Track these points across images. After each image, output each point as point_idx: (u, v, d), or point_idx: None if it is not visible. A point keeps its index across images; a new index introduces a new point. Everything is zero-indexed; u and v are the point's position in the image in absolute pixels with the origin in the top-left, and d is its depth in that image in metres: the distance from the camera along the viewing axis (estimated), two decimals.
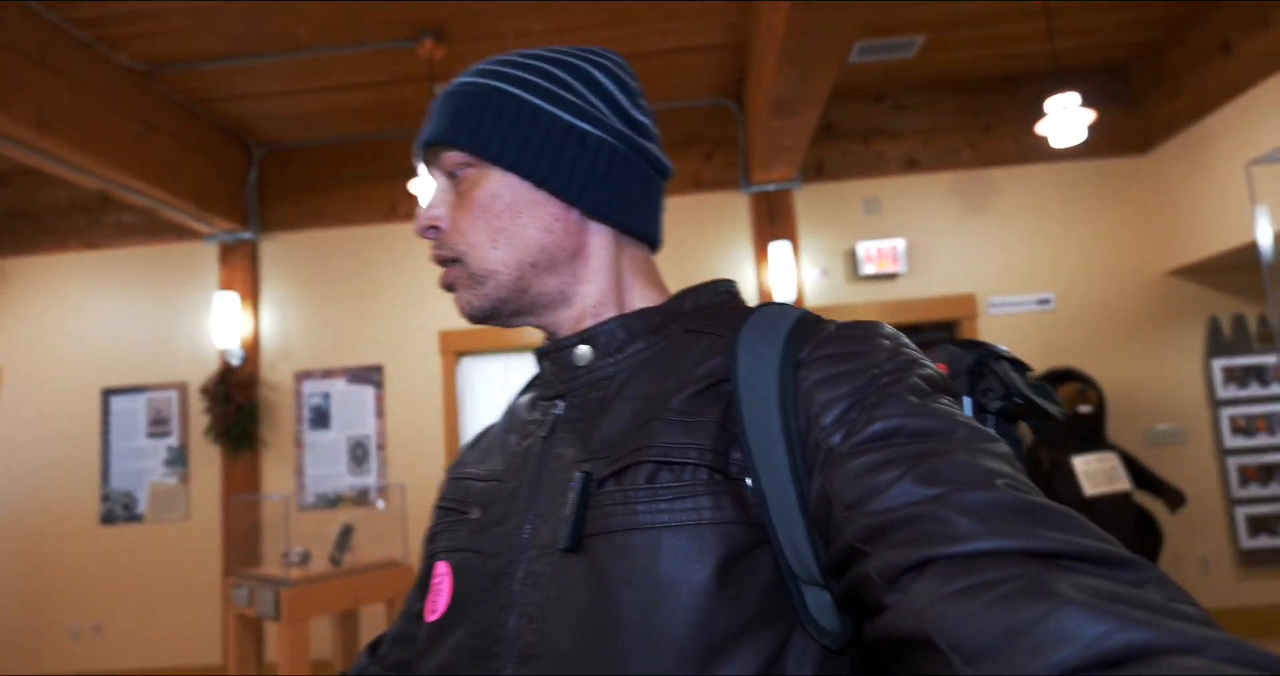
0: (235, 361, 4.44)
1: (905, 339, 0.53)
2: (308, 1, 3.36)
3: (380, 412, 4.45)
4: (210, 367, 4.54)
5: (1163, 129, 4.24)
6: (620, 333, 0.61)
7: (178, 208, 4.13)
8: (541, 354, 0.65)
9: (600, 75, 0.63)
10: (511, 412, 0.68)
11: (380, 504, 4.33)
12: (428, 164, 0.65)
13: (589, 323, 0.62)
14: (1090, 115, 3.54)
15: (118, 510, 4.44)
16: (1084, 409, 3.47)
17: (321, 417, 4.47)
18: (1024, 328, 4.30)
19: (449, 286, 0.64)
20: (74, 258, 4.73)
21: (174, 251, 4.70)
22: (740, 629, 0.46)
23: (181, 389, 4.54)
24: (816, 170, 4.51)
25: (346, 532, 3.35)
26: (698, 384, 0.53)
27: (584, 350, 0.61)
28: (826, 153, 4.53)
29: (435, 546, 0.63)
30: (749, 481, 0.49)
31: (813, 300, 4.39)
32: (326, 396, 4.49)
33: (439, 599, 0.58)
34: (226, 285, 4.57)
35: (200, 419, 4.48)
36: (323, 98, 4.24)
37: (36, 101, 3.15)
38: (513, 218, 0.60)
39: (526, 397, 0.67)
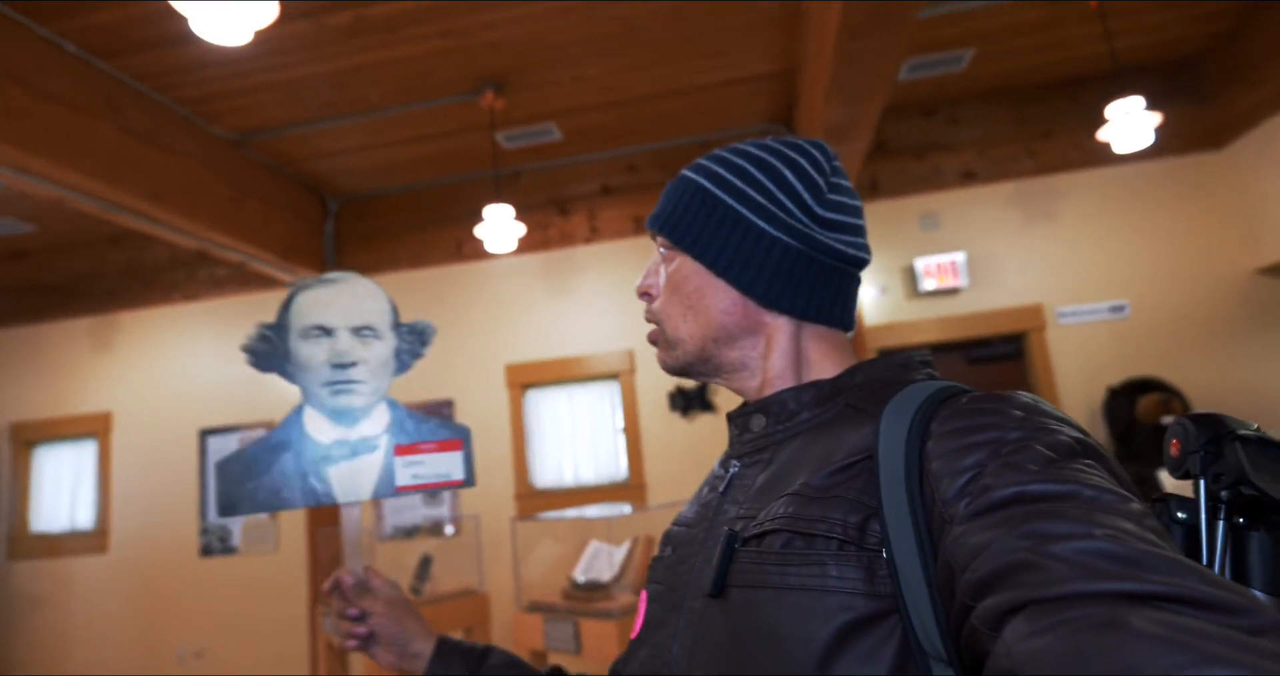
0: None
1: (1045, 407, 0.52)
2: (380, 66, 3.60)
3: None
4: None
5: (1240, 122, 4.04)
6: (791, 403, 0.67)
7: (264, 260, 4.45)
8: (730, 418, 0.73)
9: (790, 173, 0.69)
10: (713, 469, 0.77)
11: (449, 530, 4.47)
12: (653, 239, 0.76)
13: (768, 391, 0.70)
14: (1156, 118, 3.42)
15: (215, 543, 4.75)
16: (1167, 420, 3.31)
17: None
18: (1097, 337, 4.13)
19: (653, 342, 0.76)
20: (175, 310, 5.14)
21: (261, 300, 5.04)
22: None
23: (271, 427, 4.83)
24: (871, 189, 4.48)
25: (426, 563, 3.49)
26: (844, 459, 0.57)
27: (759, 418, 0.69)
28: (880, 170, 4.50)
29: (648, 578, 0.72)
30: (885, 553, 0.50)
31: (871, 319, 4.34)
32: None
33: (639, 620, 0.69)
34: None
35: None
36: (393, 151, 4.51)
37: (148, 176, 3.49)
38: (699, 299, 0.70)
39: (722, 455, 0.76)
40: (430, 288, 4.87)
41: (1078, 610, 0.35)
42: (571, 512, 3.60)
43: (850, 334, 0.73)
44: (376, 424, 0.88)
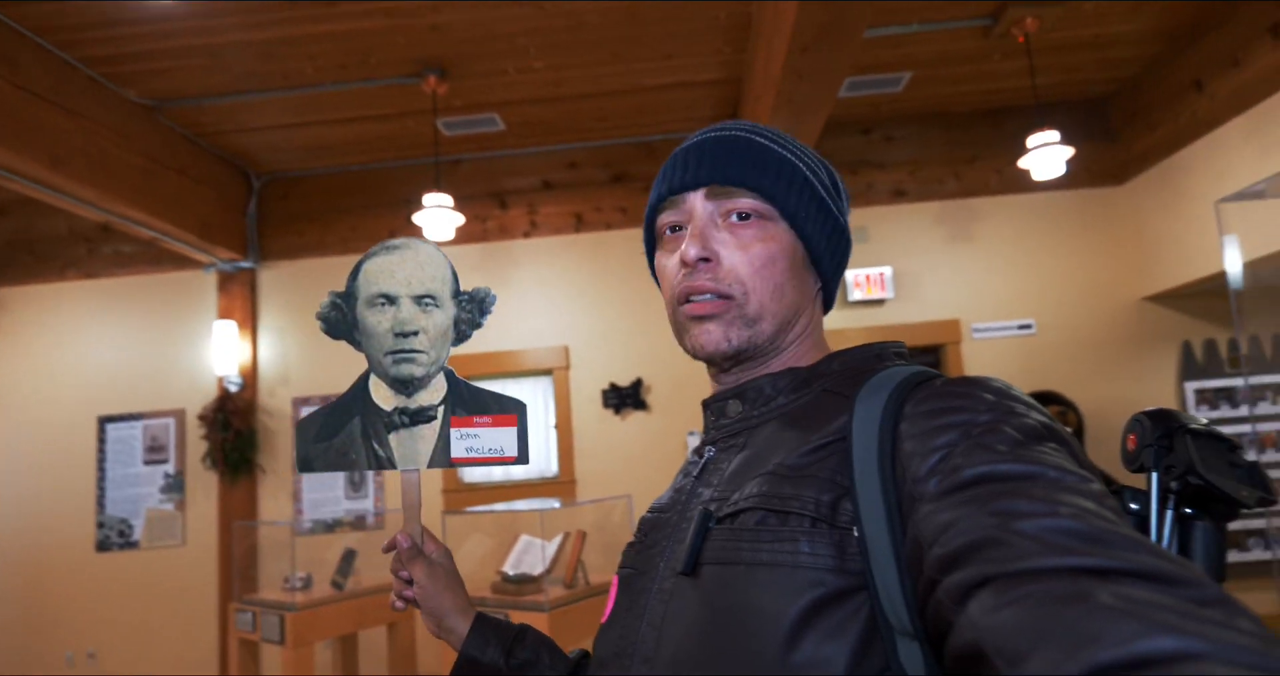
0: (234, 388, 4.48)
1: (1015, 392, 0.54)
2: (316, 39, 3.45)
3: None
4: (207, 395, 4.57)
5: (1139, 161, 4.41)
6: (767, 388, 0.68)
7: (180, 238, 4.19)
8: (705, 405, 0.74)
9: (839, 179, 0.74)
10: (688, 456, 0.77)
11: (369, 520, 4.36)
12: (704, 197, 0.68)
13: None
14: (1069, 151, 3.70)
15: (114, 537, 4.45)
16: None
17: None
18: (1006, 352, 4.42)
19: (704, 316, 0.67)
20: (72, 287, 4.77)
21: (172, 280, 4.75)
22: (820, 662, 0.49)
23: (179, 416, 4.57)
24: None
25: (349, 557, 3.38)
26: (819, 440, 0.59)
27: (735, 404, 0.70)
28: None
29: (621, 563, 0.73)
30: (856, 531, 0.52)
31: None
32: None
33: (609, 605, 0.69)
34: (225, 313, 4.62)
35: (198, 446, 4.51)
36: (325, 130, 4.33)
37: (50, 140, 3.21)
38: (789, 278, 0.68)
39: (697, 441, 0.77)
40: None
41: (1041, 584, 0.37)
42: (502, 506, 3.57)
43: None
44: (435, 394, 0.88)
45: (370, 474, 4.45)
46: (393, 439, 0.88)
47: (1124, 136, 4.54)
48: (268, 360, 4.66)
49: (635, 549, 0.70)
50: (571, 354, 4.54)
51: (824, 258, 0.70)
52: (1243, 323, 3.40)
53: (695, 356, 0.70)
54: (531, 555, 3.18)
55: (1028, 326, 4.43)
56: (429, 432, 0.88)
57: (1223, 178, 3.73)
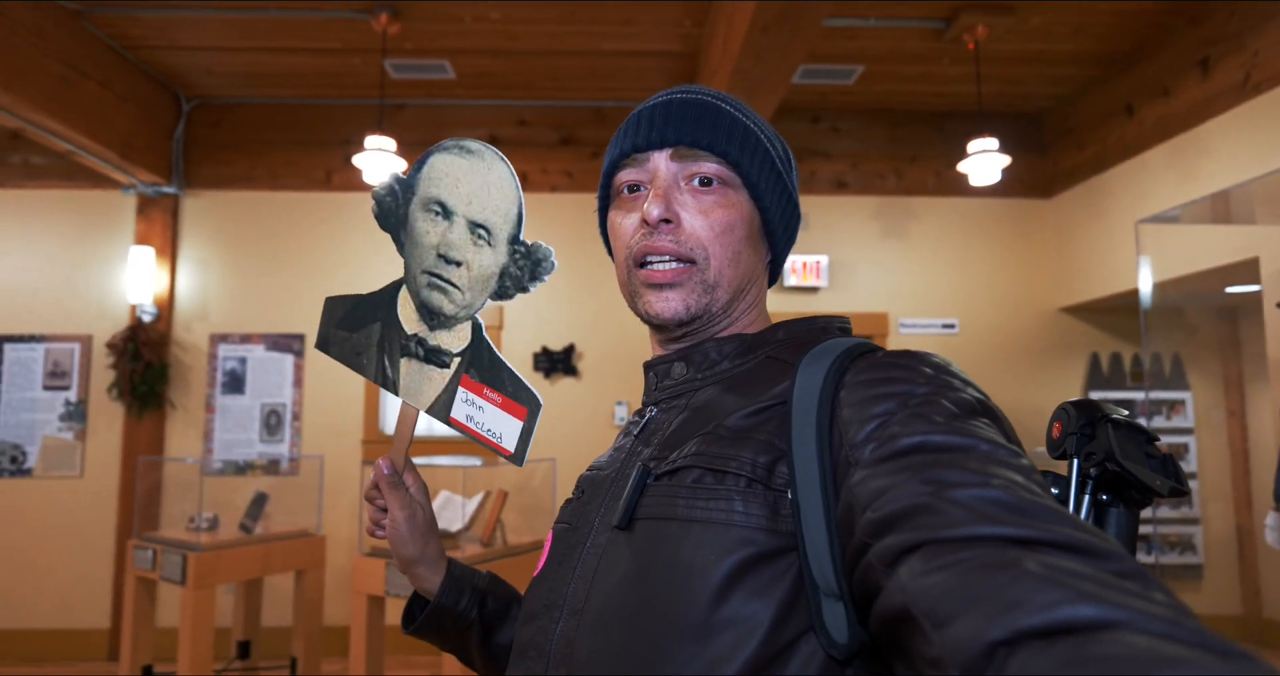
0: (147, 318, 4.29)
1: (954, 368, 0.55)
2: None
3: (298, 382, 4.39)
4: (118, 323, 4.37)
5: (1066, 177, 4.62)
6: (712, 353, 0.70)
7: (98, 155, 3.96)
8: (648, 366, 0.74)
9: (792, 157, 0.76)
10: (629, 419, 0.78)
11: (284, 464, 4.28)
12: (669, 158, 0.68)
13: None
14: (1005, 160, 3.85)
15: (4, 462, 4.23)
16: None
17: (236, 382, 4.38)
18: (930, 349, 4.59)
19: (667, 283, 0.67)
20: None
21: (87, 198, 4.49)
22: (744, 620, 0.50)
23: (85, 342, 4.36)
24: None
25: (260, 500, 3.33)
26: (760, 403, 0.60)
27: (680, 366, 0.71)
28: None
29: (556, 519, 0.73)
30: (790, 493, 0.53)
31: None
32: (243, 361, 4.40)
33: (542, 559, 0.69)
34: (143, 239, 4.40)
35: (104, 375, 4.31)
36: (266, 57, 4.14)
37: None
38: (746, 246, 0.70)
39: (626, 411, 0.78)
40: (290, 213, 4.55)
41: (971, 551, 0.38)
42: (423, 460, 3.55)
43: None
44: (456, 340, 0.80)
45: (288, 419, 4.35)
46: (404, 364, 0.82)
47: (1054, 151, 4.74)
48: (186, 292, 4.47)
49: (572, 505, 0.71)
50: (505, 313, 4.52)
51: (778, 229, 0.72)
52: (1148, 340, 3.63)
53: (648, 321, 0.70)
54: (450, 511, 3.19)
55: (951, 326, 4.63)
56: (438, 377, 0.80)
57: (1143, 201, 3.95)
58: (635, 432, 0.71)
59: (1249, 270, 3.32)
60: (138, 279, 4.24)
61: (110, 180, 4.41)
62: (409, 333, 0.81)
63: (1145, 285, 3.48)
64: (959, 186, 4.64)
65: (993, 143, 3.83)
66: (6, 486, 4.25)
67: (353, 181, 4.51)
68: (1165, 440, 4.51)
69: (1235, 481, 4.50)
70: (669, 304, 0.67)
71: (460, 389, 0.79)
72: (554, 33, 3.91)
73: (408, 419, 0.82)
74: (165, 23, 3.77)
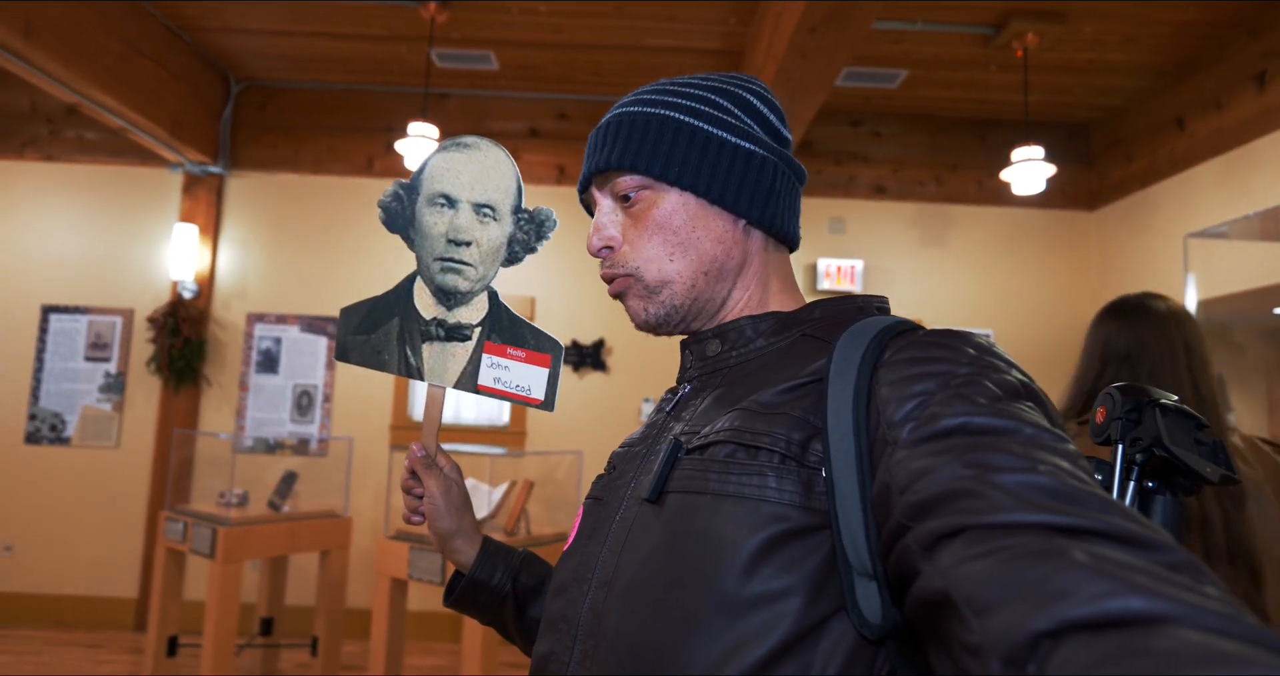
0: (188, 294, 4.37)
1: (997, 349, 0.54)
2: None
3: (331, 364, 4.44)
4: (159, 298, 4.45)
5: (1112, 190, 4.54)
6: (748, 330, 0.69)
7: (149, 132, 4.04)
8: (684, 345, 0.74)
9: (754, 99, 0.71)
10: (663, 396, 0.78)
11: (313, 445, 4.34)
12: (596, 189, 0.72)
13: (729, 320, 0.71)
14: (1051, 169, 3.79)
15: (45, 431, 4.34)
16: None
17: (270, 362, 4.44)
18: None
19: (618, 295, 0.72)
20: (30, 167, 4.56)
21: (135, 175, 4.58)
22: (776, 596, 0.50)
23: (127, 315, 4.45)
24: None
25: (290, 479, 3.37)
26: (796, 380, 0.60)
27: (715, 343, 0.70)
28: None
29: (588, 494, 0.73)
30: (824, 471, 0.53)
31: None
32: (278, 341, 4.46)
33: (572, 533, 0.70)
34: (187, 217, 4.49)
35: (143, 348, 4.40)
36: (314, 42, 4.19)
37: (26, 8, 3.05)
38: (690, 232, 0.68)
39: (651, 408, 0.79)
40: (331, 197, 4.61)
41: (1015, 538, 0.37)
42: (450, 447, 3.57)
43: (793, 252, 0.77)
44: (474, 312, 0.85)
45: (319, 401, 4.41)
46: (425, 349, 0.86)
47: (1100, 164, 4.66)
48: (226, 271, 4.55)
49: (603, 480, 0.71)
50: (537, 306, 4.54)
51: (729, 194, 0.68)
52: None
53: (642, 331, 0.74)
54: (476, 499, 3.21)
55: (986, 336, 4.55)
56: (461, 352, 0.85)
57: (1191, 217, 3.87)
58: (668, 409, 0.71)
59: None
60: (180, 256, 4.32)
61: (158, 158, 4.50)
62: (428, 318, 0.86)
63: (1192, 302, 3.41)
64: (1000, 196, 4.58)
65: (1038, 151, 3.77)
66: (46, 453, 4.35)
67: (395, 168, 4.56)
68: None
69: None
70: (633, 312, 0.71)
71: (485, 355, 0.84)
72: (599, 27, 3.92)
73: (435, 401, 0.86)
74: (219, 5, 3.84)
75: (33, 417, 4.35)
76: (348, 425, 4.40)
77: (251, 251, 4.57)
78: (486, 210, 0.84)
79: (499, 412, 4.55)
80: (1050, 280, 4.63)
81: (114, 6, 3.61)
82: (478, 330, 0.85)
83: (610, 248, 0.71)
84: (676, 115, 0.69)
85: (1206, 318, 3.61)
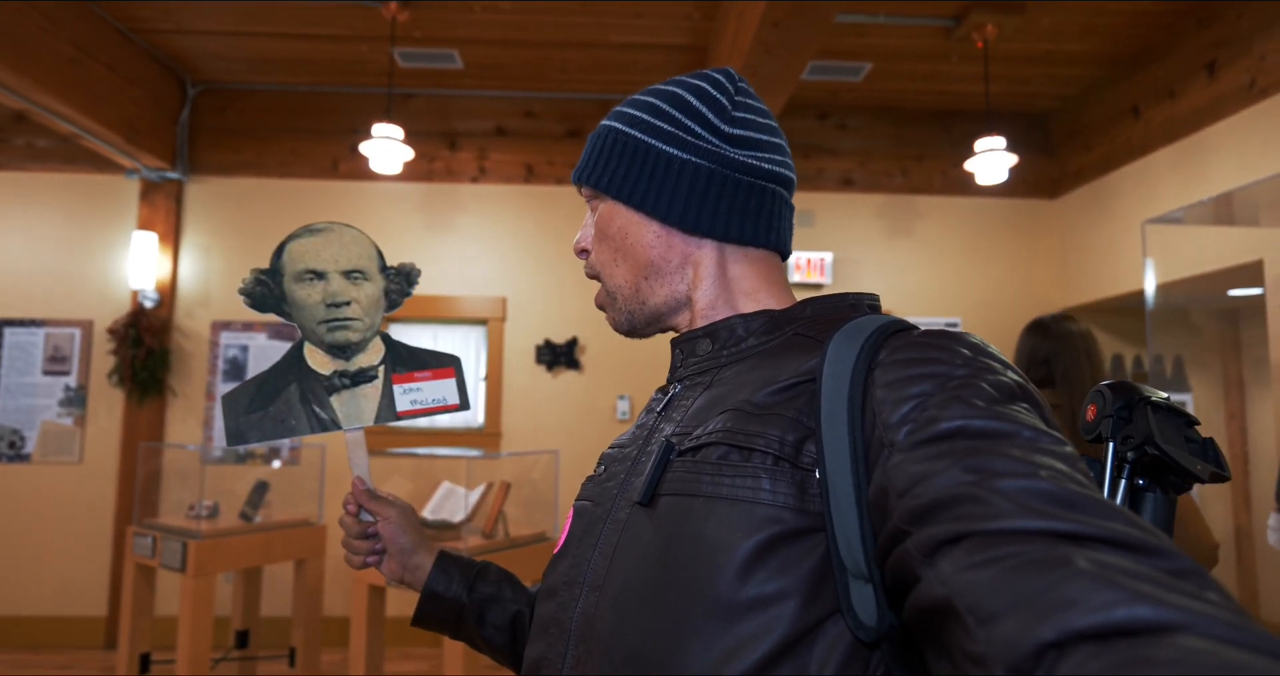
0: (149, 304, 4.27)
1: (991, 350, 0.54)
2: None
3: None
4: (119, 308, 4.34)
5: (1072, 178, 4.63)
6: (739, 328, 0.69)
7: (103, 138, 3.93)
8: (675, 344, 0.74)
9: (693, 98, 0.70)
10: (653, 396, 0.78)
11: (275, 464, 4.26)
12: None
13: (701, 322, 0.71)
14: (1013, 159, 3.85)
15: (3, 448, 4.20)
16: None
17: (237, 370, 4.36)
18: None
19: (601, 306, 0.76)
20: None
21: (90, 182, 4.46)
22: (770, 599, 0.50)
23: (86, 327, 4.33)
24: None
25: (261, 488, 3.31)
26: (787, 380, 0.59)
27: (705, 342, 0.70)
28: None
29: (579, 496, 0.72)
30: (819, 473, 0.52)
31: None
32: (245, 349, 4.38)
33: (562, 536, 0.69)
34: (146, 224, 4.38)
35: (104, 360, 4.29)
36: (274, 43, 4.11)
37: None
38: (623, 239, 0.72)
39: (628, 405, 0.79)
40: (296, 201, 4.52)
41: (1018, 545, 0.37)
42: (425, 451, 3.55)
43: (787, 257, 0.75)
44: (373, 356, 0.94)
45: None
46: (334, 400, 0.91)
47: (1061, 153, 4.75)
48: (189, 278, 4.45)
49: (594, 482, 0.70)
50: (509, 306, 4.51)
51: (649, 200, 0.69)
52: (1154, 342, 3.64)
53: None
54: (452, 502, 3.18)
55: (954, 325, 4.63)
56: (371, 391, 0.92)
57: (1148, 202, 3.96)
58: (658, 409, 0.70)
59: (1252, 273, 3.33)
60: (140, 264, 4.21)
61: (114, 164, 4.38)
62: (328, 374, 0.92)
63: (1150, 286, 3.49)
64: (965, 186, 4.64)
65: (1000, 141, 3.83)
66: (5, 471, 4.22)
67: (359, 170, 4.49)
68: None
69: (1234, 483, 4.52)
70: (609, 322, 0.77)
71: (395, 386, 0.93)
72: (564, 24, 3.90)
73: (359, 443, 0.92)
74: (172, 7, 3.75)
75: None
76: (322, 435, 4.32)
77: (214, 258, 4.47)
78: (356, 274, 0.94)
79: (473, 415, 4.52)
80: (1015, 267, 4.71)
81: (62, 9, 3.50)
82: (381, 368, 0.93)
83: (585, 251, 0.76)
84: (619, 126, 0.72)
85: (1165, 300, 3.70)
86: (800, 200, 4.71)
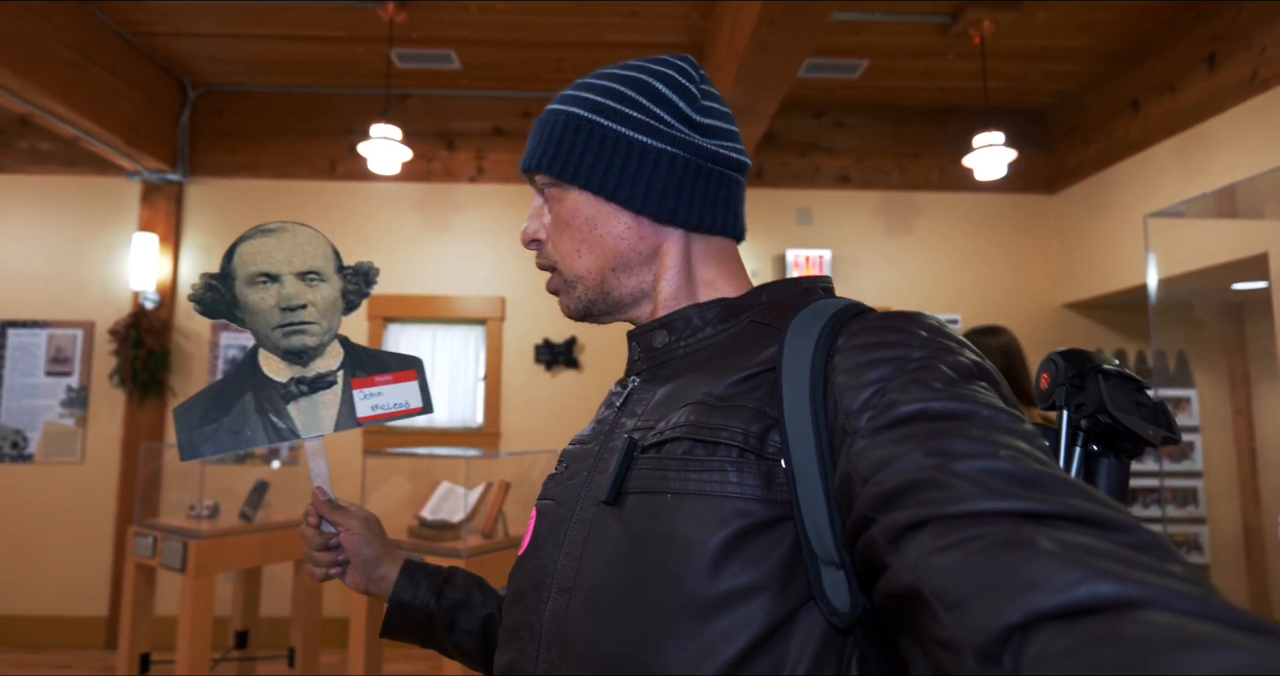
0: (150, 305, 4.29)
1: (948, 330, 0.54)
2: None
3: None
4: (121, 309, 4.36)
5: (1071, 173, 4.61)
6: (695, 319, 0.68)
7: (105, 141, 3.96)
8: (631, 337, 0.72)
9: (662, 86, 0.69)
10: (611, 390, 0.76)
11: (275, 464, 4.27)
12: (531, 185, 0.74)
13: (662, 312, 0.70)
14: (1012, 154, 3.84)
15: (5, 448, 4.23)
16: None
17: None
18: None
19: (553, 291, 0.74)
20: None
21: (91, 185, 4.48)
22: (744, 592, 0.49)
23: (88, 328, 4.35)
24: (755, 176, 4.69)
25: (261, 489, 3.32)
26: (748, 370, 0.59)
27: (661, 334, 0.69)
28: (766, 161, 4.71)
29: (540, 495, 0.71)
30: (784, 462, 0.52)
31: None
32: (244, 350, 4.39)
33: (526, 537, 0.68)
34: (147, 226, 4.40)
35: (105, 361, 4.31)
36: (271, 45, 4.13)
37: None
38: (591, 229, 0.69)
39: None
40: (295, 202, 4.54)
41: (981, 528, 0.37)
42: (425, 451, 3.55)
43: (740, 242, 0.75)
44: (331, 361, 0.90)
45: None
46: (292, 408, 0.87)
47: (1059, 148, 4.74)
48: (189, 279, 4.47)
49: (556, 480, 0.69)
50: (508, 305, 4.51)
51: (623, 190, 0.67)
52: (1157, 337, 3.61)
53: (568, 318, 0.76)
54: (451, 502, 3.18)
55: (954, 322, 4.62)
56: (330, 397, 0.89)
57: (1148, 197, 3.94)
58: (618, 404, 0.69)
59: (1257, 266, 3.31)
60: (141, 266, 4.23)
61: (115, 167, 4.41)
62: (284, 381, 0.88)
63: (1153, 281, 3.47)
64: (963, 182, 4.63)
65: (999, 137, 3.82)
66: (7, 472, 4.25)
67: (357, 171, 4.50)
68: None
69: (1242, 480, 4.49)
70: (561, 307, 0.74)
71: (355, 391, 0.90)
72: (560, 24, 3.91)
73: (318, 452, 0.88)
74: (171, 9, 3.77)
75: None
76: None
77: (214, 259, 4.48)
78: (312, 275, 0.90)
79: (473, 414, 4.52)
80: (1013, 263, 4.70)
81: (62, 12, 3.53)
82: (340, 373, 0.89)
83: (538, 241, 0.73)
84: (580, 112, 0.69)
85: (1167, 295, 3.68)
86: (798, 198, 4.71)
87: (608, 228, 0.68)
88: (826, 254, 4.56)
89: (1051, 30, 3.89)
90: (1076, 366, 0.58)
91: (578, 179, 0.68)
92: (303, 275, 0.89)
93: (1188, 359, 4.58)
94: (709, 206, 0.69)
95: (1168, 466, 4.42)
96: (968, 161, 3.94)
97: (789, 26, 2.99)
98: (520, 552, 0.68)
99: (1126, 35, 3.95)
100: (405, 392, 0.90)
